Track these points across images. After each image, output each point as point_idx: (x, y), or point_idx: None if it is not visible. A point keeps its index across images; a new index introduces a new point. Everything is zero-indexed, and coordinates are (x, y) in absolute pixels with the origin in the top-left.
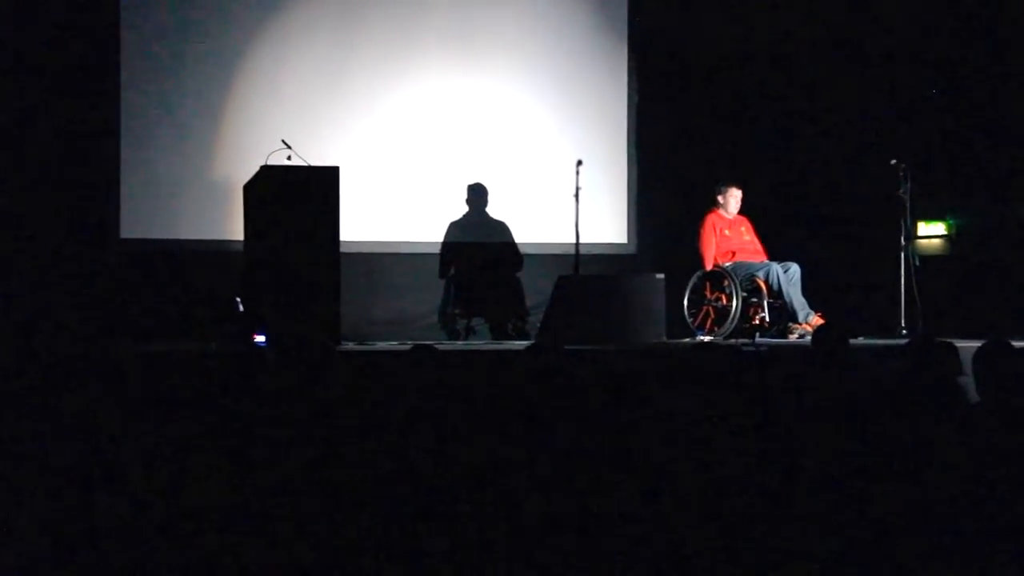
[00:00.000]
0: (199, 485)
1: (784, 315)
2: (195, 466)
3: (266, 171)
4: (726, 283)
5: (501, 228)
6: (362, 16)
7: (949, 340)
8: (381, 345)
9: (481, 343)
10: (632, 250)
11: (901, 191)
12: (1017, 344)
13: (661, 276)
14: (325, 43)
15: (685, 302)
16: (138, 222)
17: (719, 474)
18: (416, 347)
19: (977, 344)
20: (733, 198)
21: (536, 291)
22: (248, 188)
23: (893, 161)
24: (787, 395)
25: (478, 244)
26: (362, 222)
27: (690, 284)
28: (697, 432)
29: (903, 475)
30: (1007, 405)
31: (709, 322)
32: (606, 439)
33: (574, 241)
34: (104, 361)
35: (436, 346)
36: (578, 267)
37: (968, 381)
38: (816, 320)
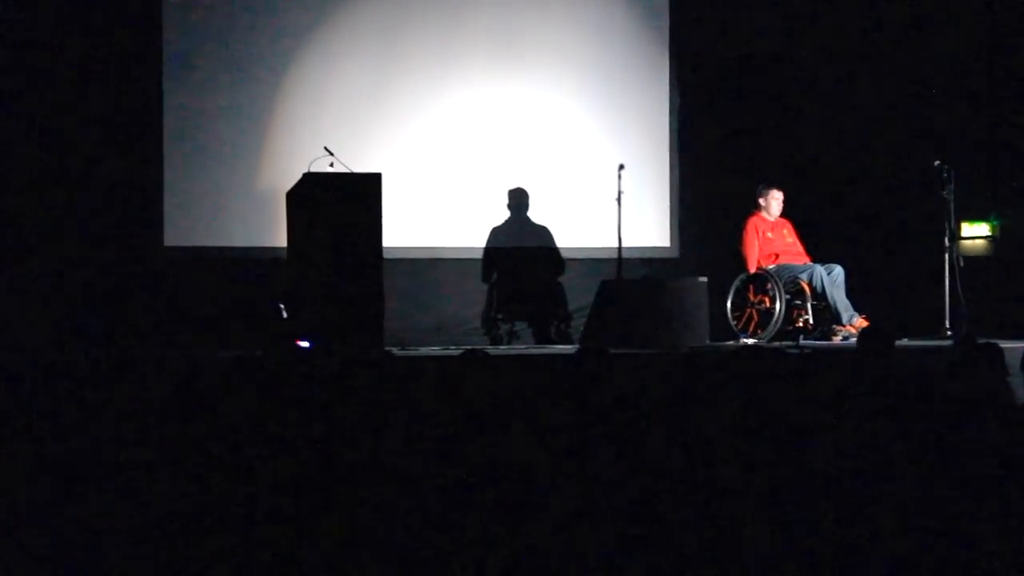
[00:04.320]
0: (247, 489)
1: (828, 317)
2: (241, 470)
3: (309, 178)
4: (769, 286)
5: (543, 233)
6: (405, 23)
7: (994, 341)
8: (425, 350)
9: (525, 347)
10: (675, 254)
11: (945, 192)
12: None
13: (704, 279)
14: (368, 51)
15: (728, 305)
16: (182, 230)
17: (767, 474)
18: (467, 351)
19: (1021, 345)
20: (775, 200)
21: (579, 295)
22: (291, 195)
23: (937, 162)
24: (832, 397)
25: (521, 249)
26: (405, 228)
27: (733, 287)
28: (741, 434)
29: (949, 476)
30: None
31: (752, 325)
32: (651, 442)
33: (616, 245)
34: (149, 368)
35: (485, 349)
36: (621, 271)
37: (1016, 382)
38: (860, 322)
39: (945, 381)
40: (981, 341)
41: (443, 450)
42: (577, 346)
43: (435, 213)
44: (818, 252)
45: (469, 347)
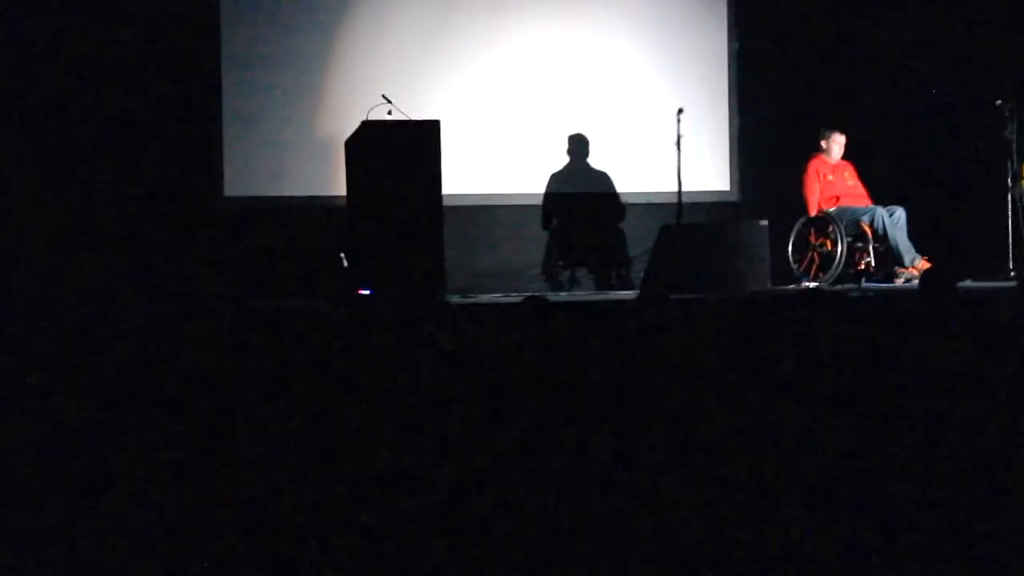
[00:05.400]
0: (313, 435)
1: (890, 259)
2: (308, 418)
3: (367, 126)
4: (831, 228)
5: (603, 178)
6: None
7: None
8: (486, 298)
9: (586, 294)
10: (735, 197)
11: (1007, 132)
12: None
13: (765, 223)
14: None
15: (790, 248)
16: (242, 180)
17: (830, 423)
18: (528, 298)
19: None
20: (836, 144)
21: (639, 240)
22: (350, 144)
23: (999, 102)
24: (895, 343)
25: (580, 195)
26: (464, 175)
27: (794, 230)
28: (803, 380)
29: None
30: None
31: (814, 268)
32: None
33: (676, 190)
34: (214, 318)
35: (547, 296)
36: (680, 215)
37: None
38: (923, 264)
39: (1009, 321)
40: None
41: (500, 399)
42: (638, 292)
43: (493, 159)
44: (880, 194)
45: (530, 294)
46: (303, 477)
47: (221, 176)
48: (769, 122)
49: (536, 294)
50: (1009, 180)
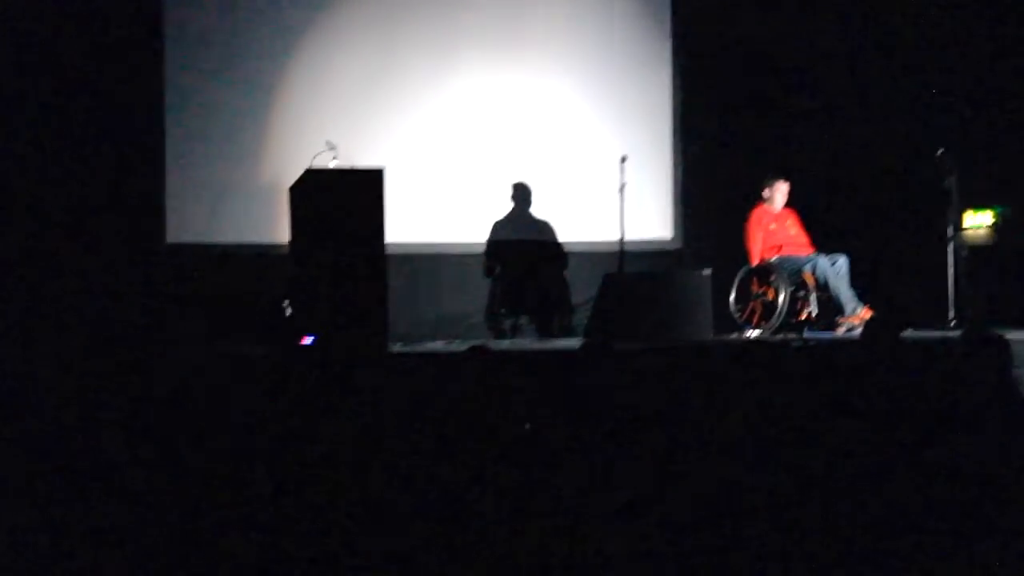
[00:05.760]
0: (248, 485)
1: (832, 309)
2: (245, 466)
3: (311, 174)
4: (773, 277)
5: (545, 226)
6: (405, 17)
7: (999, 332)
8: (428, 346)
9: (528, 342)
10: (677, 245)
11: (947, 182)
12: None
13: (708, 272)
14: (368, 44)
15: (732, 297)
16: (184, 226)
17: (773, 466)
18: (472, 347)
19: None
20: (780, 192)
21: (582, 288)
22: (293, 191)
23: (939, 152)
24: (839, 389)
25: (523, 242)
26: (407, 223)
27: (737, 279)
28: (747, 428)
29: (957, 469)
30: None
31: (756, 317)
32: (661, 435)
33: (619, 238)
34: (151, 365)
35: (489, 345)
36: (623, 264)
37: (1022, 373)
38: (864, 313)
39: (951, 373)
40: (987, 333)
41: (445, 447)
42: (580, 340)
43: (437, 207)
44: (822, 243)
45: (473, 342)
46: (234, 523)
47: (163, 222)
48: (711, 170)
49: (479, 342)
50: (949, 230)
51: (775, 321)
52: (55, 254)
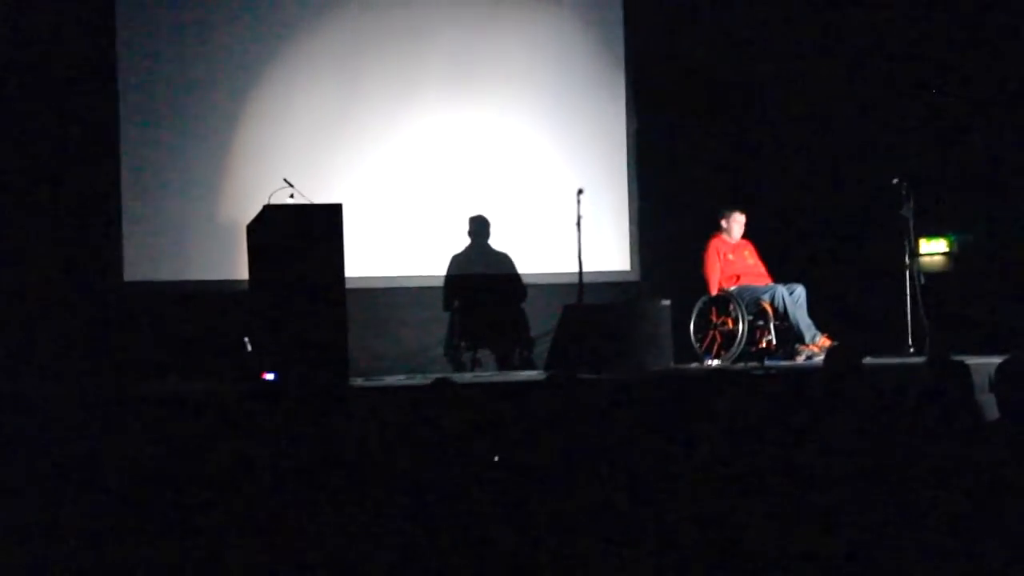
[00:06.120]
0: (212, 527)
1: (791, 337)
2: (207, 505)
3: (269, 210)
4: (732, 307)
5: (504, 259)
6: (362, 53)
7: (961, 359)
8: (389, 380)
9: (489, 374)
10: (635, 277)
11: (904, 209)
12: None
13: (667, 302)
14: (325, 82)
15: (692, 327)
16: (142, 264)
17: (738, 496)
18: (436, 380)
19: (983, 360)
20: (736, 223)
21: (541, 320)
22: (252, 228)
23: (895, 180)
24: (800, 417)
25: (482, 276)
26: (366, 258)
27: (696, 309)
28: (712, 455)
29: (921, 494)
30: None
31: (716, 347)
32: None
33: (577, 270)
34: (111, 403)
35: (451, 378)
36: (582, 295)
37: (985, 399)
38: (823, 341)
39: (913, 399)
40: (949, 360)
41: (413, 481)
42: (542, 372)
43: (396, 242)
44: (779, 272)
45: (433, 375)
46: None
47: (120, 260)
48: (668, 201)
49: (441, 376)
50: (906, 257)
51: (735, 350)
52: (11, 293)
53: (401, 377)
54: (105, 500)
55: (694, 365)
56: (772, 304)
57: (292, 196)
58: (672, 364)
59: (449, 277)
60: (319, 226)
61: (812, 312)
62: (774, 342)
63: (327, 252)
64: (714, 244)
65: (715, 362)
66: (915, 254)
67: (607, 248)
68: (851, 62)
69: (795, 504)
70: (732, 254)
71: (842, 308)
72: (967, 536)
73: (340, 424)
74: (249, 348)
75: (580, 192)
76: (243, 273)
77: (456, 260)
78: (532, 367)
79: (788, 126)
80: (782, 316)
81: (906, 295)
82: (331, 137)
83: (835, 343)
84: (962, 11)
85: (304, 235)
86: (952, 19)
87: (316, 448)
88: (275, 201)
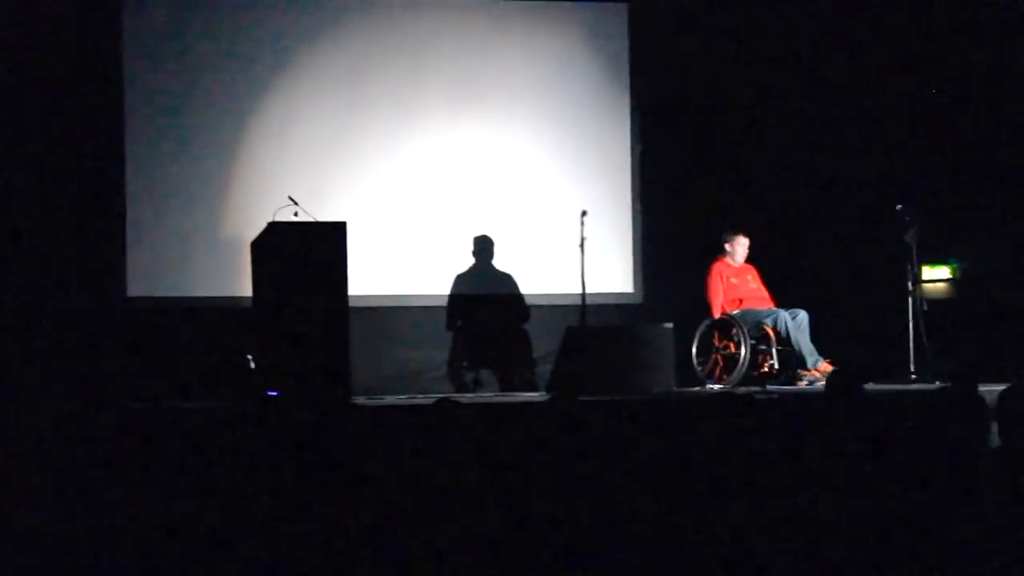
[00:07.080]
0: (213, 544)
1: (793, 362)
2: (211, 523)
3: (274, 227)
4: (734, 331)
5: (507, 280)
6: (367, 72)
7: (973, 388)
8: (391, 399)
9: (491, 395)
10: (639, 299)
11: (907, 236)
12: None
13: (670, 325)
14: (331, 100)
15: (694, 350)
16: (146, 280)
17: (740, 521)
18: (440, 400)
19: (985, 388)
20: (740, 246)
21: (543, 342)
22: (256, 245)
23: (899, 206)
24: (803, 442)
25: (485, 296)
26: (370, 276)
27: (698, 333)
28: (715, 480)
29: (924, 521)
30: None
31: (718, 370)
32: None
33: (580, 291)
34: (114, 420)
35: (456, 398)
36: (584, 317)
37: (989, 425)
38: (825, 366)
39: (920, 426)
40: (966, 390)
41: (414, 500)
42: (544, 393)
43: (399, 261)
44: (782, 297)
45: (436, 395)
46: None
47: (124, 276)
48: (672, 224)
49: (445, 395)
50: (910, 283)
51: (737, 374)
52: (14, 308)
53: (403, 396)
54: (99, 518)
55: (696, 389)
56: (775, 328)
57: (296, 214)
58: (674, 387)
59: (452, 297)
60: (323, 244)
61: (815, 337)
62: (776, 367)
63: (331, 270)
64: (717, 267)
65: (717, 386)
66: (918, 280)
67: (610, 270)
68: (858, 86)
69: (793, 528)
70: (735, 278)
71: (845, 334)
72: (970, 561)
73: (341, 442)
74: (252, 365)
75: (584, 214)
76: (247, 290)
77: (459, 280)
78: (534, 388)
79: (792, 151)
80: (784, 341)
81: (909, 322)
82: (336, 155)
83: (837, 368)
84: (967, 39)
85: (308, 253)
86: (958, 47)
87: (317, 466)
88: (280, 218)
